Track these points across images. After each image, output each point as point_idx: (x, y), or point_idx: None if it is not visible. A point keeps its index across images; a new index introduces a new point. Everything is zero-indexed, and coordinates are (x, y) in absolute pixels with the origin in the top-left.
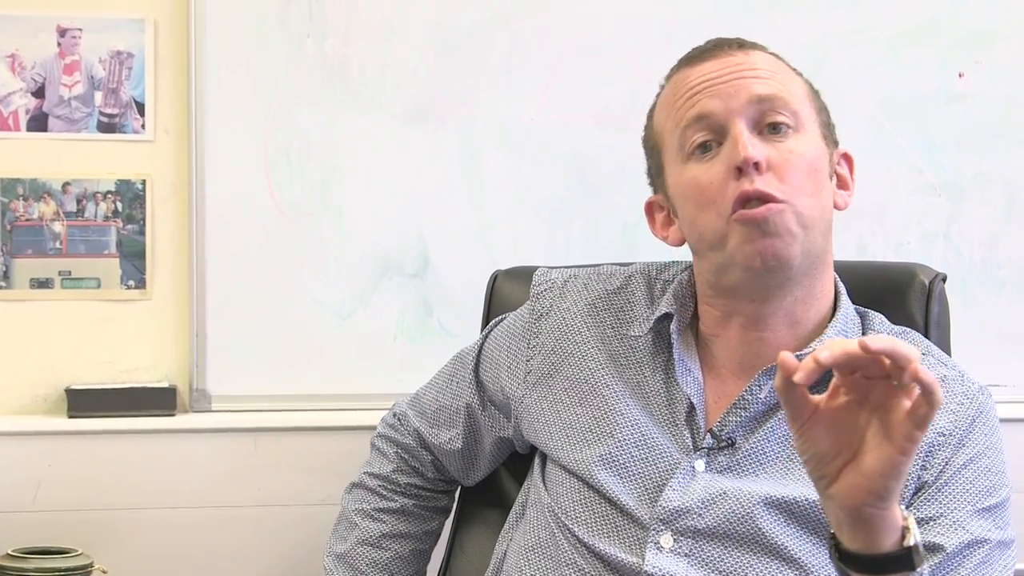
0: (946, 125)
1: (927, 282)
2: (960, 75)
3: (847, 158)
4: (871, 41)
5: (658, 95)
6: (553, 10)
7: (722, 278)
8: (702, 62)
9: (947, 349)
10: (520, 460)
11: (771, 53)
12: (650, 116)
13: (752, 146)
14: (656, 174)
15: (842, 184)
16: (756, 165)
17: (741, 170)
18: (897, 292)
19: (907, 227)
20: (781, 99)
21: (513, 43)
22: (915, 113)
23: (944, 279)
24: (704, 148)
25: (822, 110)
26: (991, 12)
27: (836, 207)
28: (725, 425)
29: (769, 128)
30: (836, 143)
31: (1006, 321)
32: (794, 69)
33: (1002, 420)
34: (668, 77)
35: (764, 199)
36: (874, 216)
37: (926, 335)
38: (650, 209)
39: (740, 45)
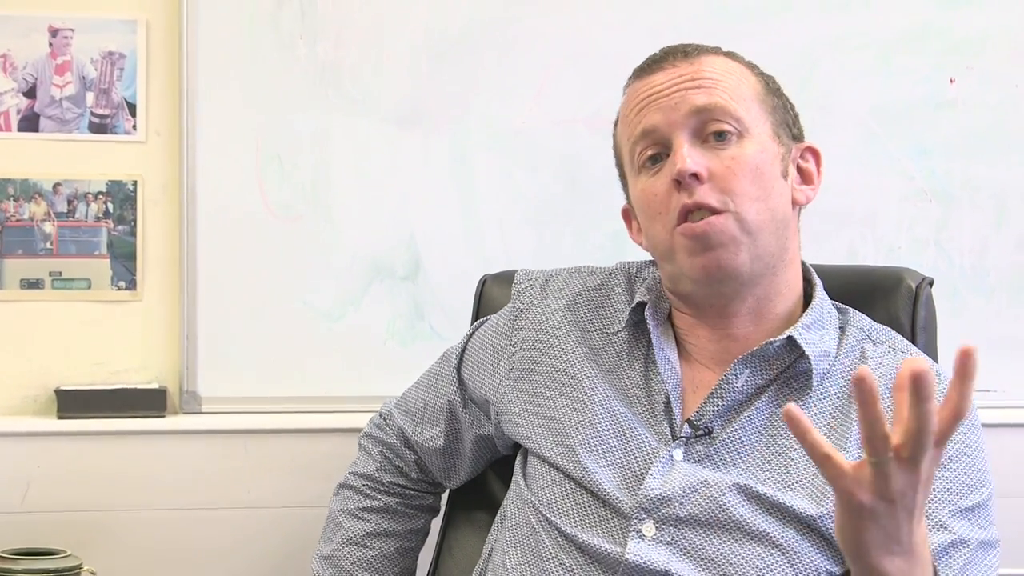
0: (937, 131)
1: (914, 286)
2: (951, 81)
3: (813, 152)
4: (862, 47)
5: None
6: (544, 15)
7: (677, 286)
8: (650, 74)
9: (934, 353)
10: (507, 463)
11: (723, 53)
12: (615, 127)
13: (690, 158)
14: (624, 184)
15: (806, 179)
16: (696, 176)
17: (681, 182)
18: (884, 296)
19: (898, 233)
20: (720, 107)
21: (505, 47)
22: (906, 119)
23: (931, 283)
24: (654, 160)
25: (777, 108)
26: (982, 18)
27: (796, 203)
28: (703, 414)
29: (714, 136)
30: (797, 138)
31: (996, 327)
32: (749, 66)
33: (992, 425)
34: (625, 88)
35: (704, 210)
36: (865, 221)
37: (912, 339)
38: (626, 215)
39: (686, 54)
